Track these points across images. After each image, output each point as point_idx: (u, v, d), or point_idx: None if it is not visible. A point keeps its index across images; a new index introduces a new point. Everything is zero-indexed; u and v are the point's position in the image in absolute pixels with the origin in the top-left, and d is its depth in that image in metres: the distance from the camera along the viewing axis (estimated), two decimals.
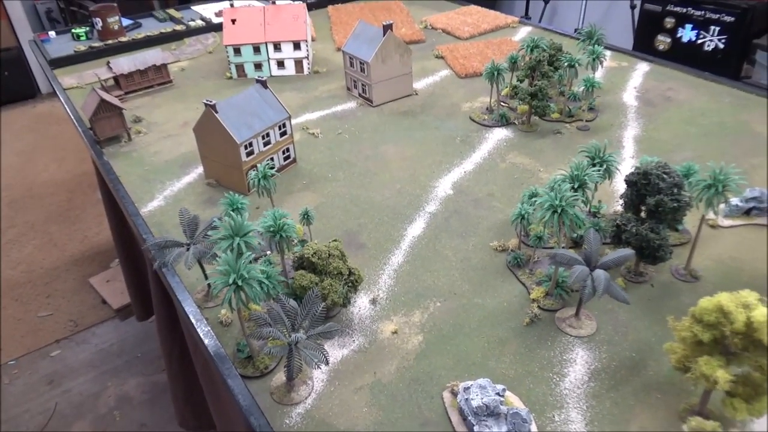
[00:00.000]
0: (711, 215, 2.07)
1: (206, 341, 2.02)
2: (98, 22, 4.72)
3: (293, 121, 3.32)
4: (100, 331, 5.32)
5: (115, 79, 3.93)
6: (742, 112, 3.31)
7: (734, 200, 2.45)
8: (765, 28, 5.44)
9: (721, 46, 5.52)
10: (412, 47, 4.29)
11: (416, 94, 3.78)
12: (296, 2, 4.42)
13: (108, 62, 3.92)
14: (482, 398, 1.67)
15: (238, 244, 1.87)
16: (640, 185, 2.02)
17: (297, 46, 4.03)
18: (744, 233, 2.42)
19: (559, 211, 1.95)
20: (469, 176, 2.92)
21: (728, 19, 5.40)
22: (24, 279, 5.89)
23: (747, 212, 2.47)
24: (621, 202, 2.20)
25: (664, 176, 1.96)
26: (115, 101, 3.34)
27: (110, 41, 4.74)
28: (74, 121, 3.55)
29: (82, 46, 4.68)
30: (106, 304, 5.57)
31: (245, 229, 1.90)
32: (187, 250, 2.05)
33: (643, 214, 2.11)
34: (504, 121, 3.34)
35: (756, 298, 1.48)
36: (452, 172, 2.95)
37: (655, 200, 1.97)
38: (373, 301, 2.20)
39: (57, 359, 5.04)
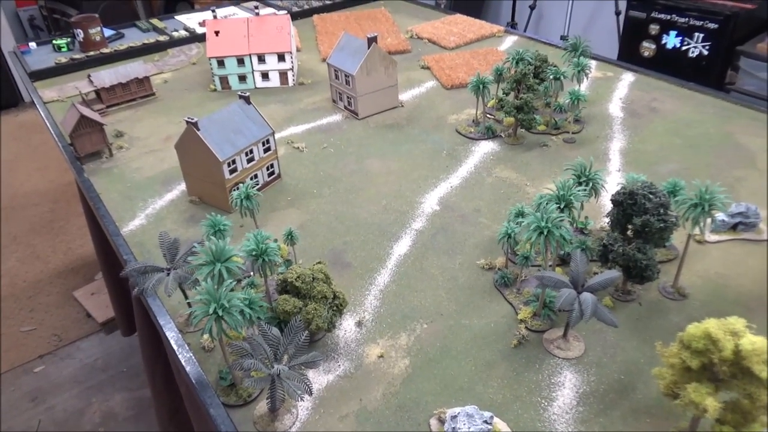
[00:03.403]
0: (698, 232, 2.06)
1: (188, 368, 1.97)
2: (80, 33, 4.65)
3: (278, 135, 3.29)
4: (84, 346, 5.23)
5: (97, 92, 3.86)
6: (726, 123, 3.32)
7: (720, 216, 2.45)
8: (748, 35, 5.48)
9: (705, 52, 5.55)
10: (397, 57, 4.28)
11: (402, 106, 3.76)
12: (280, 13, 4.38)
13: (89, 75, 3.86)
14: (469, 427, 1.65)
15: (219, 270, 1.83)
16: (626, 205, 2.00)
17: (281, 57, 3.99)
18: (730, 248, 2.42)
19: (545, 232, 1.93)
20: (456, 191, 2.90)
21: (712, 25, 5.43)
22: (6, 293, 5.79)
23: (733, 227, 2.47)
24: (607, 220, 2.18)
25: (651, 196, 1.95)
26: (96, 117, 3.28)
27: (92, 52, 4.67)
28: (54, 136, 3.49)
29: (63, 58, 4.60)
30: (91, 318, 5.48)
31: (227, 254, 1.86)
32: (167, 275, 2.00)
33: (629, 233, 2.09)
34: (490, 134, 3.32)
35: (743, 325, 1.46)
36: (438, 187, 2.93)
37: (642, 221, 1.95)
38: (359, 324, 2.17)
39: (40, 375, 4.95)
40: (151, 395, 3.38)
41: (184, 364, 1.99)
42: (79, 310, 5.60)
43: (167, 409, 3.25)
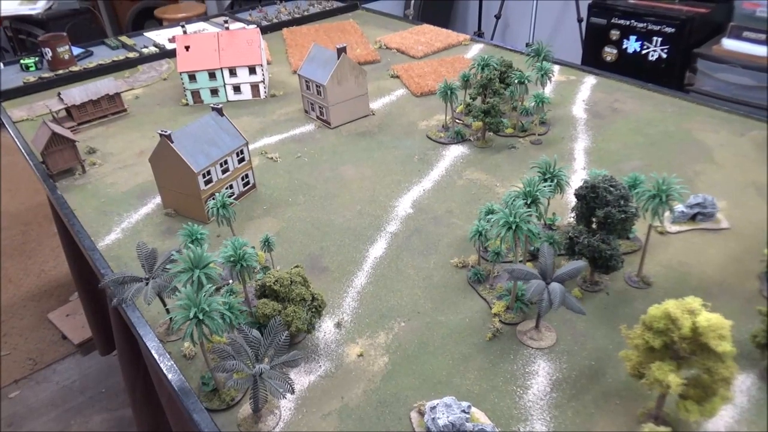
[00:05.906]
0: (657, 223, 2.17)
1: (170, 376, 1.99)
2: (48, 52, 4.64)
3: (252, 146, 3.33)
4: (61, 368, 5.15)
5: (67, 110, 3.86)
6: (684, 120, 3.46)
7: (680, 207, 2.56)
8: (704, 38, 5.71)
9: (664, 55, 5.76)
10: (367, 68, 4.36)
11: (373, 114, 3.83)
12: (250, 27, 4.44)
13: (59, 93, 3.85)
14: (448, 417, 1.70)
15: (198, 276, 1.86)
16: (589, 198, 2.10)
17: (252, 70, 4.04)
18: (690, 238, 2.53)
19: (513, 227, 2.01)
20: (428, 194, 2.97)
21: (669, 30, 5.64)
22: None
23: (692, 218, 2.58)
24: (573, 215, 2.27)
25: (611, 189, 2.05)
26: (68, 133, 3.28)
27: (61, 71, 4.65)
28: (25, 155, 3.47)
29: (31, 77, 4.58)
30: (67, 340, 5.40)
31: (205, 261, 1.90)
32: (146, 284, 2.02)
33: (594, 226, 2.18)
34: (460, 138, 3.41)
35: (700, 304, 1.55)
36: (411, 191, 3.00)
37: (604, 212, 2.04)
38: (338, 325, 2.22)
39: (16, 400, 4.86)
40: (132, 412, 3.36)
41: (165, 372, 2.01)
42: (54, 332, 5.52)
43: (148, 425, 3.23)
